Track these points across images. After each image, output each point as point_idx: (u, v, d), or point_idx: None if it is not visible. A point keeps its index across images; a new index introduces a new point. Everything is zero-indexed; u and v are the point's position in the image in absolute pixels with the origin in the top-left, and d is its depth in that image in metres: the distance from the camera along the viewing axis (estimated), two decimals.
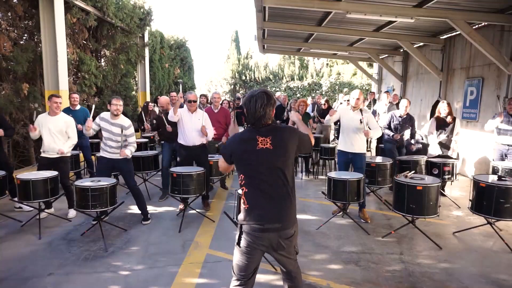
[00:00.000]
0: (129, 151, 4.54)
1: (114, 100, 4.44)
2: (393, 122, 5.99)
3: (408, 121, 5.94)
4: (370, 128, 4.63)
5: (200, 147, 5.03)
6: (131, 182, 4.64)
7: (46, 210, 4.75)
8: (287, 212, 2.20)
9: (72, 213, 4.87)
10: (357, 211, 4.95)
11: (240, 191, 2.39)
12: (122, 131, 4.47)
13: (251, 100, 2.21)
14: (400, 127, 5.93)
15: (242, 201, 2.26)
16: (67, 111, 5.65)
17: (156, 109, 8.47)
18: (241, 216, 2.25)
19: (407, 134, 5.93)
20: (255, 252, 2.20)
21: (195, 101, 4.95)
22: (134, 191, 4.65)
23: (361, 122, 4.56)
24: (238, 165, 2.28)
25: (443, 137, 5.71)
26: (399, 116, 5.96)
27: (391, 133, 5.91)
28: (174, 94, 7.15)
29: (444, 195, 5.77)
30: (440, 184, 4.11)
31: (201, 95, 8.69)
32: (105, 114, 4.53)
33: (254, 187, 2.20)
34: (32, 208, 4.80)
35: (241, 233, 2.22)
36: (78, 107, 6.20)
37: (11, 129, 5.10)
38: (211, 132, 5.08)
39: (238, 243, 2.23)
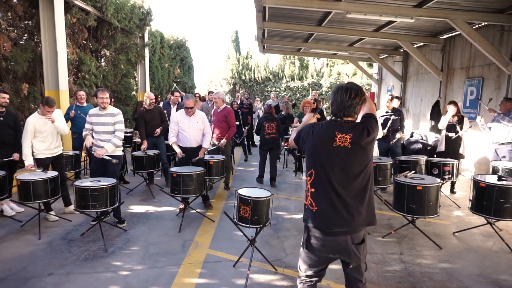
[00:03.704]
0: (109, 146, 4.42)
1: (100, 93, 4.49)
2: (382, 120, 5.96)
3: (397, 114, 5.94)
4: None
5: (198, 149, 5.07)
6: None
7: (51, 213, 4.72)
8: (359, 215, 2.03)
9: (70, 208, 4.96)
10: None
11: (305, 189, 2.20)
12: (112, 120, 4.53)
13: (338, 90, 2.09)
14: (392, 122, 5.87)
15: (308, 201, 2.12)
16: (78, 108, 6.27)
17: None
18: (305, 216, 2.15)
19: (398, 136, 5.93)
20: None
21: (192, 108, 4.97)
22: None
23: None
24: (308, 159, 2.15)
25: (452, 134, 5.95)
26: (386, 112, 5.96)
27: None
28: (178, 94, 7.32)
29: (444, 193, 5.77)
30: (440, 184, 4.11)
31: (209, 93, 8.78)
32: (92, 110, 4.64)
33: (324, 188, 2.05)
34: (14, 213, 4.84)
35: (308, 236, 2.14)
36: (85, 104, 6.50)
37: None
38: (208, 137, 5.14)
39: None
